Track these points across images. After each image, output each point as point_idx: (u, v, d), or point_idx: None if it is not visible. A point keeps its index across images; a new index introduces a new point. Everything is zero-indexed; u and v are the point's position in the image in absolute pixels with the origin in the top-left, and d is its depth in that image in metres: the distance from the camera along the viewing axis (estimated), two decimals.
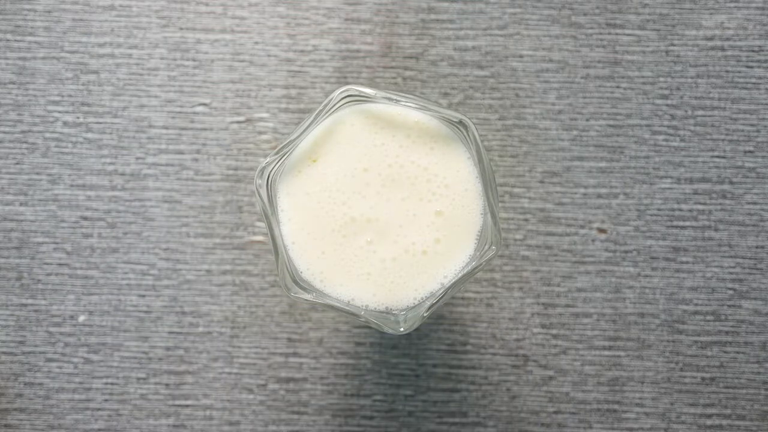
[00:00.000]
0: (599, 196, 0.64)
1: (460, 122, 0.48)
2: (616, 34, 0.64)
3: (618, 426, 0.63)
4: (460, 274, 0.49)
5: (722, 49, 0.64)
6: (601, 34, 0.64)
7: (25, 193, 0.64)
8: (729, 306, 0.64)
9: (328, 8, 0.64)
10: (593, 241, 0.64)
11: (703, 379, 0.63)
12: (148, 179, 0.64)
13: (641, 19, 0.64)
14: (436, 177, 0.49)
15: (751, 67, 0.64)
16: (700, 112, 0.64)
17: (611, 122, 0.64)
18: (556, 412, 0.63)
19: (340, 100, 0.48)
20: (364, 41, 0.64)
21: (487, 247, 0.48)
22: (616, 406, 0.63)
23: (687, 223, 0.64)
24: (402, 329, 0.48)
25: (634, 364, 0.63)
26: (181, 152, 0.64)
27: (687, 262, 0.64)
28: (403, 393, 0.64)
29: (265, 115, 0.64)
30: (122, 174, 0.64)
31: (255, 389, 0.64)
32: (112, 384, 0.64)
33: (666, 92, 0.64)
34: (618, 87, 0.64)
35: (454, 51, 0.64)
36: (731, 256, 0.64)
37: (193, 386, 0.64)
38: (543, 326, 0.64)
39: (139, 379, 0.64)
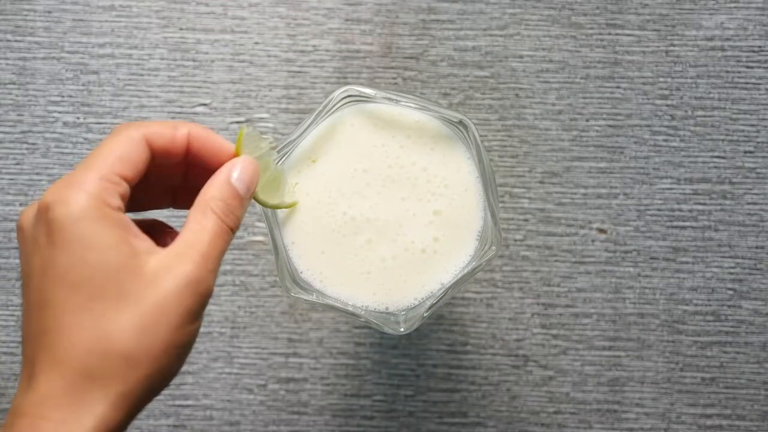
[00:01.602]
0: (599, 196, 0.64)
1: (460, 122, 0.48)
2: (616, 34, 0.64)
3: (618, 426, 0.63)
4: (460, 275, 0.49)
5: (722, 49, 0.64)
6: (601, 34, 0.64)
7: (25, 193, 0.64)
8: (729, 306, 0.64)
9: (328, 8, 0.64)
10: (593, 241, 0.64)
11: (703, 379, 0.63)
12: None
13: (641, 19, 0.64)
14: (436, 177, 0.49)
15: (751, 67, 0.64)
16: (700, 112, 0.64)
17: (611, 122, 0.64)
18: (556, 412, 0.63)
19: (340, 100, 0.48)
20: (364, 41, 0.64)
21: (487, 247, 0.48)
22: (616, 406, 0.63)
23: (687, 224, 0.64)
24: (402, 329, 0.48)
25: (634, 364, 0.63)
26: None
27: (687, 262, 0.64)
28: (403, 393, 0.64)
29: (265, 115, 0.64)
30: None
31: (255, 389, 0.64)
32: None
33: (666, 92, 0.64)
34: (618, 87, 0.64)
35: (454, 51, 0.64)
36: (731, 257, 0.64)
37: (193, 386, 0.63)
38: (543, 326, 0.64)
39: None
